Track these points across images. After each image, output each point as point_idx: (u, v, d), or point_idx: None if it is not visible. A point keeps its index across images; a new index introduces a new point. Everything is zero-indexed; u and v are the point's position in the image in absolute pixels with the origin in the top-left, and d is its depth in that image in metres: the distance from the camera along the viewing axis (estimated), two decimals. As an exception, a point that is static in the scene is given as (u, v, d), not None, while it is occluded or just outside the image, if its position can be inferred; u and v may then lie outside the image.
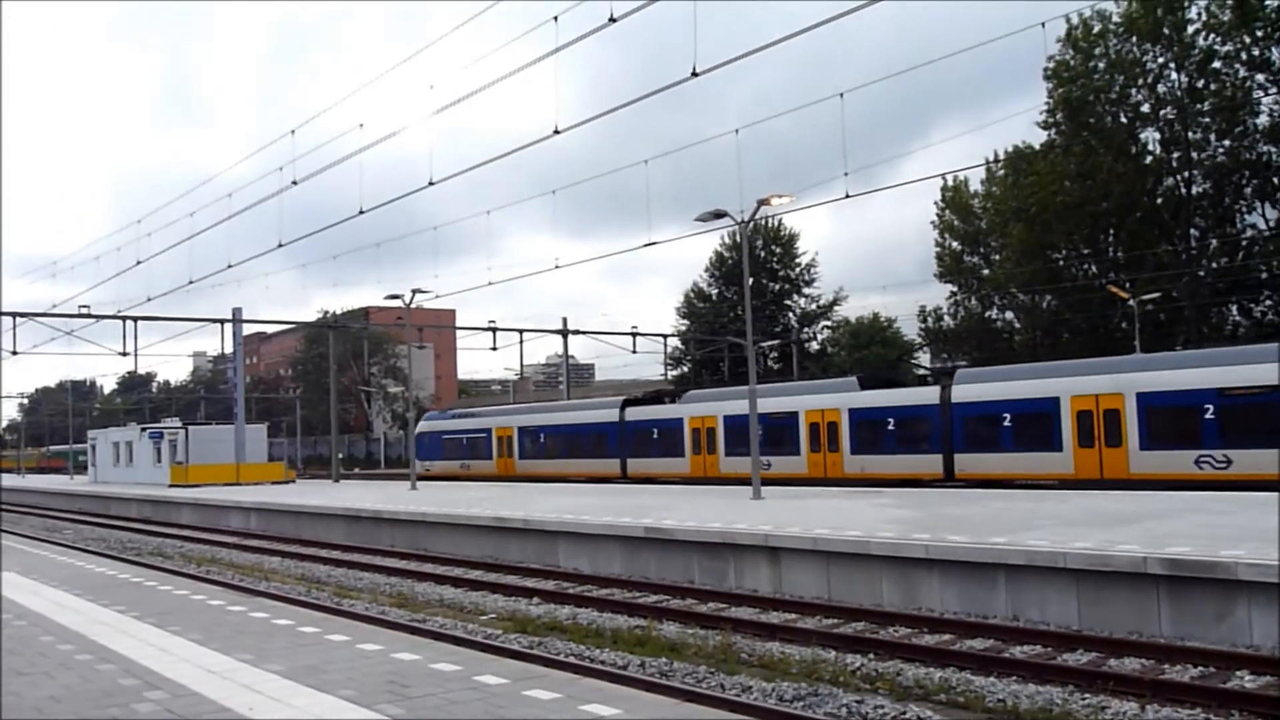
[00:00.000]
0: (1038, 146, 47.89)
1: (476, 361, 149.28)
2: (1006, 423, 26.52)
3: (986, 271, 54.20)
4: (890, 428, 29.32)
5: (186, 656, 7.66)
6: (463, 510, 22.42)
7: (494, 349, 50.58)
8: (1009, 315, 54.91)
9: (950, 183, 55.36)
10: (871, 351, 66.19)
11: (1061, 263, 48.50)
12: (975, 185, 55.27)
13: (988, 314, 55.49)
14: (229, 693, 6.44)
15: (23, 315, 39.63)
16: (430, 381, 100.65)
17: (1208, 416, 23.02)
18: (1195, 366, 23.91)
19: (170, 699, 6.33)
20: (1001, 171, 51.38)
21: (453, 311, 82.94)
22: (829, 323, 67.33)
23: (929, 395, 29.08)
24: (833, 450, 30.69)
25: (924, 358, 67.45)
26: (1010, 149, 50.57)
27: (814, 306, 66.01)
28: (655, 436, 37.06)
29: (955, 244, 55.71)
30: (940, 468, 27.80)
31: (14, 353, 39.51)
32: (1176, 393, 23.61)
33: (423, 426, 50.14)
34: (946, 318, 56.76)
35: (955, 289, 55.92)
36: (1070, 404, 25.03)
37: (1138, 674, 9.67)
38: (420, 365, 79.94)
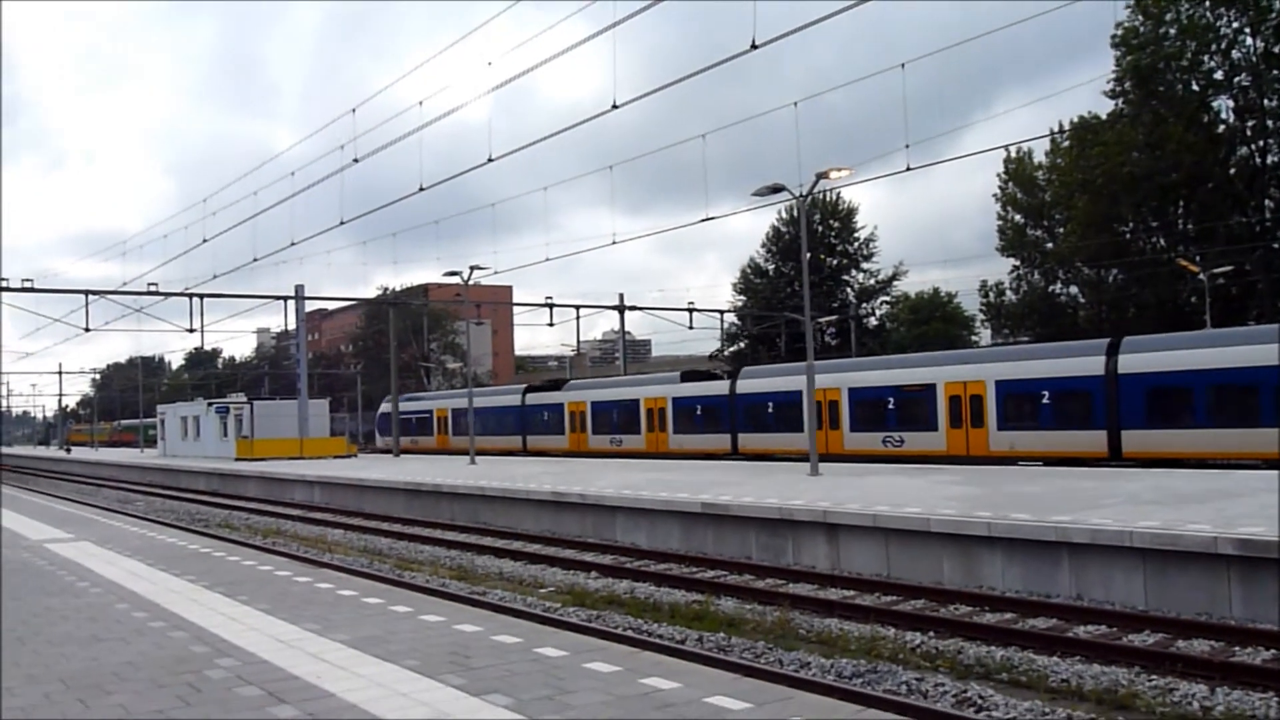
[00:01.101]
0: (1104, 116, 46.74)
1: (533, 337, 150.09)
2: (769, 409, 33.70)
3: (1050, 245, 53.17)
4: (698, 413, 36.60)
5: (255, 625, 7.83)
6: (521, 485, 22.61)
7: (551, 324, 50.88)
8: (1073, 290, 53.83)
9: (1013, 155, 54.33)
10: (931, 327, 65.39)
11: (1129, 236, 47.35)
12: (1039, 157, 54.20)
13: (1051, 289, 54.46)
14: (296, 661, 6.57)
15: (94, 293, 40.50)
16: (488, 358, 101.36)
17: (890, 407, 30.12)
18: (885, 369, 31.51)
19: (240, 666, 6.48)
20: (1067, 142, 50.24)
21: (509, 288, 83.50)
22: (888, 298, 66.53)
23: (721, 388, 36.10)
24: (662, 430, 37.83)
25: (985, 333, 66.52)
26: (1076, 119, 49.51)
27: (873, 281, 65.18)
28: (545, 418, 44.43)
29: (1018, 217, 54.71)
30: (729, 445, 34.90)
31: (87, 329, 40.45)
32: (872, 388, 30.78)
33: (384, 408, 55.41)
34: (1009, 292, 55.83)
35: (1018, 263, 54.96)
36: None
37: (1207, 656, 9.50)
38: (478, 341, 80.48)
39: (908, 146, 20.56)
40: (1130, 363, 25.22)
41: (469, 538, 20.27)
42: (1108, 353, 25.83)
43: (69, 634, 7.71)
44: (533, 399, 45.58)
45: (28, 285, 38.99)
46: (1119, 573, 11.87)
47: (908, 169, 21.20)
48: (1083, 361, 26.24)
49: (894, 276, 65.05)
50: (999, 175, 55.41)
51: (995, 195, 55.69)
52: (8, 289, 38.63)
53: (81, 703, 5.71)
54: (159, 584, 10.09)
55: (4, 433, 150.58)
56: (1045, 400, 26.67)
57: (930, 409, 28.72)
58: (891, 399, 30.12)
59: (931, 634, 10.84)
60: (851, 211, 64.51)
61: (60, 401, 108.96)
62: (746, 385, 34.82)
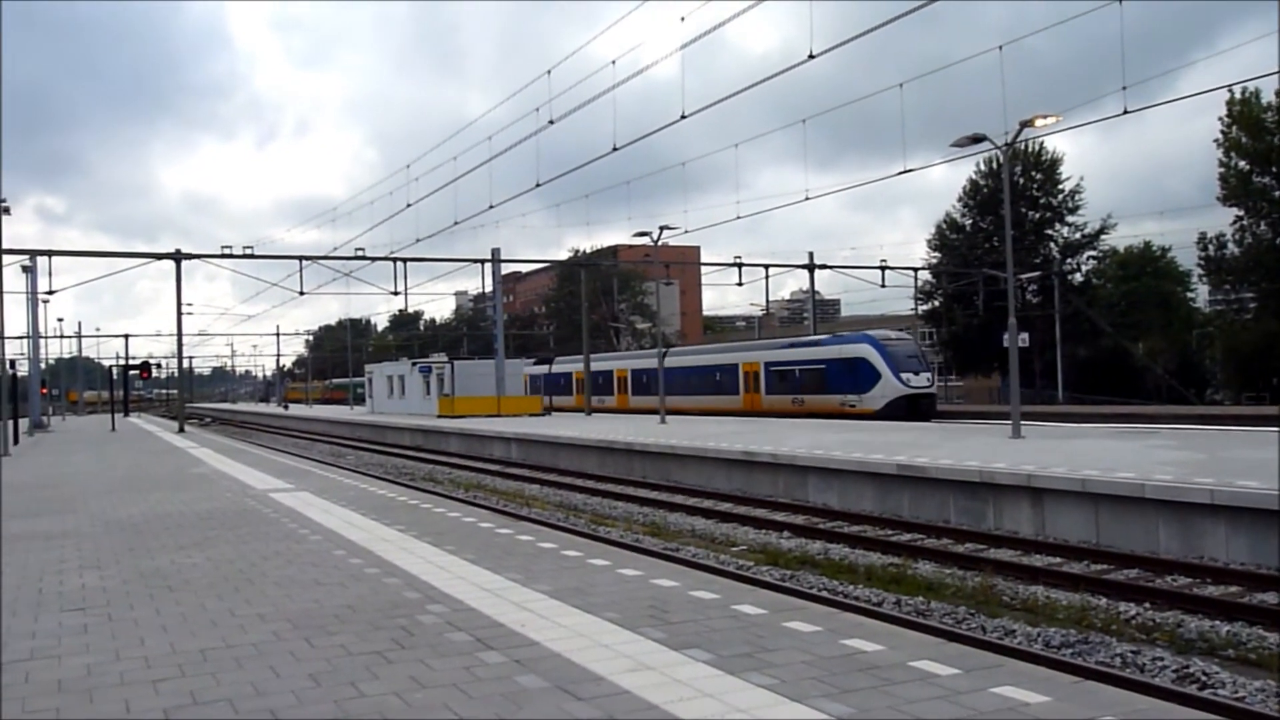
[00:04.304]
0: (1346, 50, 42.54)
1: (721, 297, 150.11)
2: (560, 382, 60.36)
3: (1279, 193, 49.08)
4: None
5: (462, 574, 8.13)
6: (712, 444, 22.68)
7: (739, 284, 50.71)
8: (1305, 241, 49.58)
9: (1239, 95, 50.17)
10: (1142, 283, 61.77)
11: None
12: (1268, 96, 49.90)
13: (1280, 240, 50.35)
14: (502, 610, 6.78)
15: (307, 258, 42.97)
16: (676, 318, 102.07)
17: (624, 377, 54.73)
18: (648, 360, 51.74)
19: (450, 612, 6.73)
20: (1302, 80, 46.03)
21: (697, 248, 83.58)
22: (1094, 253, 62.93)
23: (544, 369, 62.49)
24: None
25: (1202, 289, 62.29)
26: (1312, 54, 45.29)
27: (1078, 236, 61.73)
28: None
29: (1243, 163, 50.62)
30: (547, 403, 52.20)
31: (301, 293, 42.96)
32: (602, 370, 55.02)
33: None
34: (1231, 245, 51.94)
35: (1241, 213, 50.95)
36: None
37: None
38: (667, 301, 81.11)
39: (1124, 89, 19.31)
40: (669, 361, 44.61)
41: (661, 495, 20.50)
42: (659, 355, 42.02)
43: (293, 577, 8.21)
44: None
45: (249, 252, 41.69)
46: (1363, 546, 10.92)
47: (1125, 112, 19.90)
48: (652, 360, 46.76)
49: (1101, 230, 61.27)
50: (1221, 118, 51.37)
51: (1216, 140, 51.71)
52: (231, 255, 41.40)
53: (307, 642, 6.06)
54: (372, 533, 10.62)
55: (229, 390, 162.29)
56: (644, 380, 50.58)
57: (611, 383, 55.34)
58: (640, 375, 53.28)
59: (1147, 605, 10.27)
60: (1055, 162, 61.22)
61: (278, 361, 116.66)
62: (556, 368, 62.86)
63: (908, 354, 39.91)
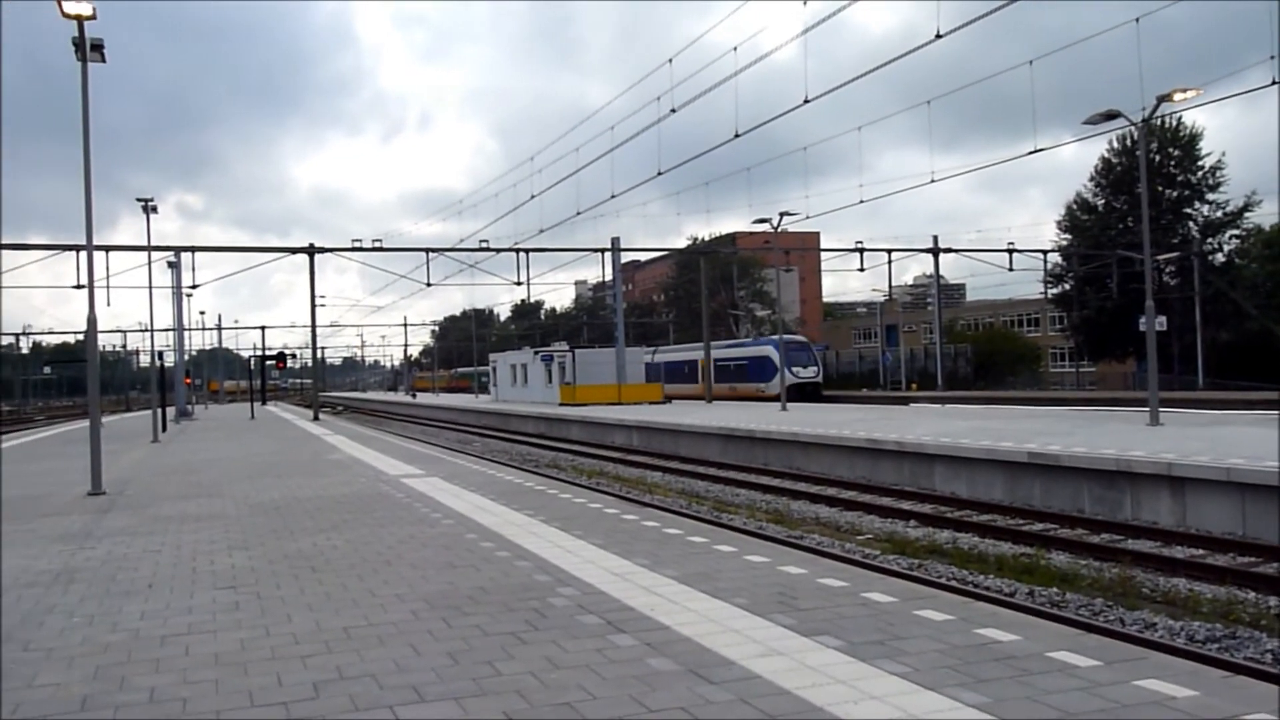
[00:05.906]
0: None
1: (842, 283, 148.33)
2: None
3: None
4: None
5: (590, 559, 8.25)
6: (835, 431, 22.46)
7: (861, 270, 50.14)
8: None
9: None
10: (1291, 262, 58.58)
11: None
12: None
13: None
14: (631, 594, 6.87)
15: (434, 251, 44.06)
16: (796, 304, 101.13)
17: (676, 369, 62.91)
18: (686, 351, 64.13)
19: (580, 595, 6.86)
20: None
21: (817, 234, 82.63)
22: (1237, 232, 59.85)
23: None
24: None
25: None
26: None
27: (1219, 214, 58.80)
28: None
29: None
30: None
31: (428, 284, 44.06)
32: (679, 361, 63.79)
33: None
34: (1390, 220, 48.87)
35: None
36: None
37: None
38: (786, 288, 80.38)
39: (1273, 58, 18.34)
40: (657, 357, 61.26)
41: (783, 483, 20.40)
42: (653, 351, 57.68)
43: (428, 559, 8.46)
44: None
45: (378, 245, 42.94)
46: None
47: (1274, 83, 18.91)
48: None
49: (1245, 207, 58.22)
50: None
51: (1374, 110, 48.64)
52: (361, 248, 42.71)
53: (445, 622, 6.26)
54: (501, 517, 10.86)
55: (359, 379, 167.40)
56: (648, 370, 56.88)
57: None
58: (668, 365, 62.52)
59: (1300, 600, 9.80)
60: (1195, 137, 58.48)
61: (405, 351, 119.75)
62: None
63: (799, 354, 55.91)
